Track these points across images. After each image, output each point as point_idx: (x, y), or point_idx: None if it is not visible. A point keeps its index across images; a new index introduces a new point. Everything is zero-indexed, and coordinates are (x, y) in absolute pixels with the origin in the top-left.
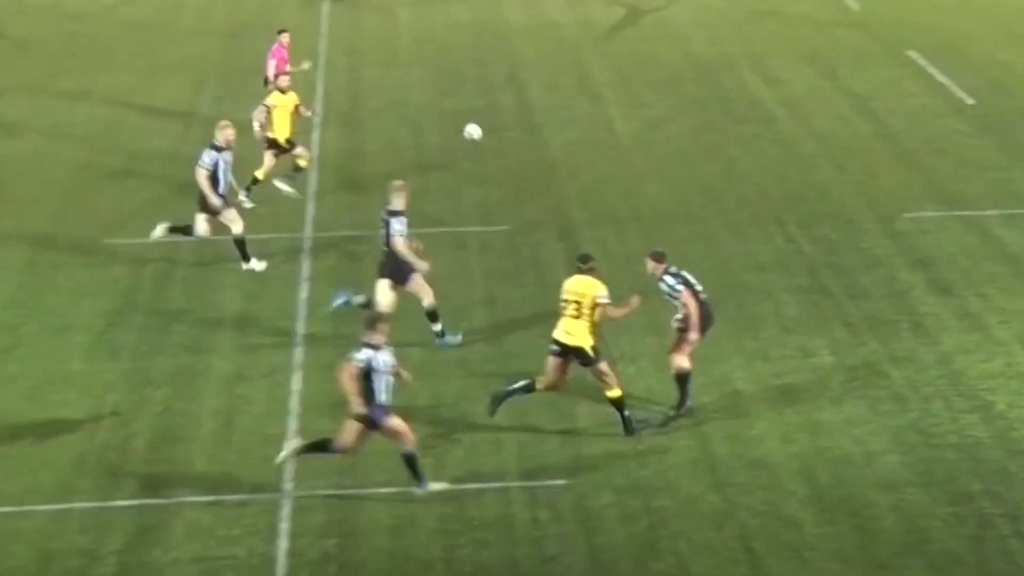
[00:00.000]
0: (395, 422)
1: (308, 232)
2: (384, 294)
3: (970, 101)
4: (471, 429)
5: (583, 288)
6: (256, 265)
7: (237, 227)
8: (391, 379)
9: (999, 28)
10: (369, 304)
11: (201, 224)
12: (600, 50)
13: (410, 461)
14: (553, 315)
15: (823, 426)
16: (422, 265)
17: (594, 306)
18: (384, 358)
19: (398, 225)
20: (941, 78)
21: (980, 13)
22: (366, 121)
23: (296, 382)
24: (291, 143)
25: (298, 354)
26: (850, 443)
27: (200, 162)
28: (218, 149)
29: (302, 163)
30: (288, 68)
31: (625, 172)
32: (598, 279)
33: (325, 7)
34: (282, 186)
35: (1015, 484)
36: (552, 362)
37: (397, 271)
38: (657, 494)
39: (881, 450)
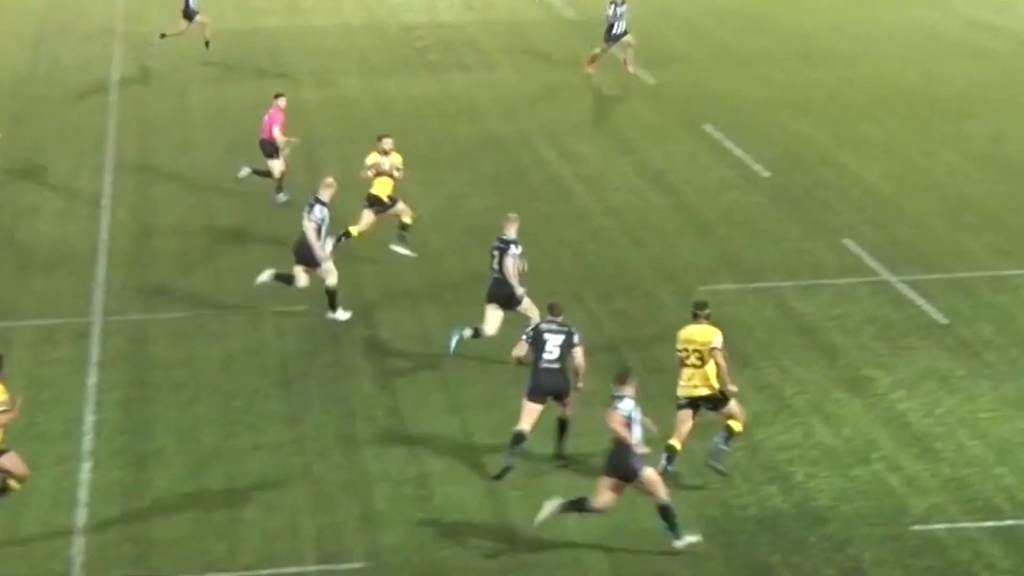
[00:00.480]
0: (652, 473)
1: (96, 316)
2: (494, 317)
3: (765, 173)
4: (267, 512)
5: (704, 337)
6: (341, 315)
7: (332, 279)
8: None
9: (792, 101)
10: (478, 334)
11: (302, 276)
12: (397, 127)
13: (666, 513)
14: (347, 395)
15: (625, 501)
16: (520, 291)
17: (709, 350)
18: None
19: (516, 250)
20: (737, 151)
21: (772, 86)
22: (156, 202)
23: (85, 471)
24: (392, 200)
25: (87, 442)
26: (651, 517)
27: (311, 215)
28: (324, 204)
29: (406, 219)
30: (278, 135)
31: (423, 250)
32: (714, 326)
33: (114, 91)
34: (400, 250)
35: (814, 554)
36: (683, 415)
37: (506, 297)
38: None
39: (682, 523)
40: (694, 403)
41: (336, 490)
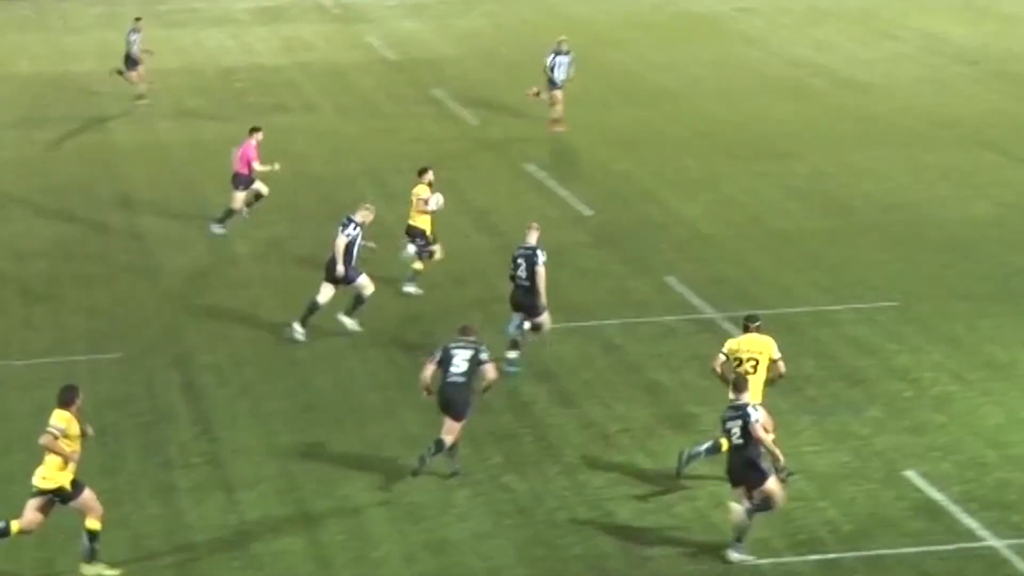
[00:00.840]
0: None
1: None
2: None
3: (588, 212)
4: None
5: (759, 346)
6: (350, 324)
7: (369, 290)
8: None
9: (614, 139)
10: (539, 328)
11: (328, 291)
12: (212, 171)
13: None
14: (163, 442)
15: (448, 544)
16: (543, 302)
17: (771, 362)
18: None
19: (542, 256)
20: (560, 191)
21: (595, 125)
22: None
23: None
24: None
25: None
26: (475, 559)
27: (346, 231)
28: (357, 225)
29: (437, 255)
30: (258, 167)
31: (243, 293)
32: (768, 335)
33: None
34: (411, 289)
35: None
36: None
37: (531, 307)
38: None
39: (507, 564)
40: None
41: (154, 541)
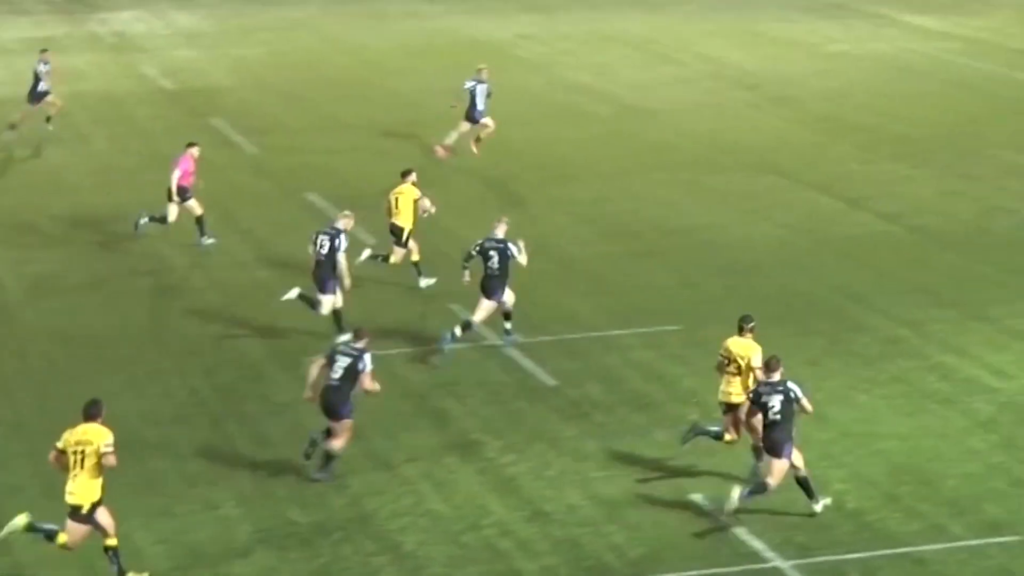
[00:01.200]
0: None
1: None
2: (486, 309)
3: (372, 240)
4: None
5: (746, 350)
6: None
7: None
8: None
9: (396, 168)
10: (468, 326)
11: (329, 302)
12: None
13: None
14: None
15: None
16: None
17: (748, 367)
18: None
19: (514, 248)
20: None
21: (377, 153)
22: None
23: None
24: (411, 234)
25: None
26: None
27: (343, 247)
28: (344, 234)
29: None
30: (192, 180)
31: (13, 331)
32: (756, 341)
33: None
34: (422, 282)
35: None
36: (728, 419)
37: (497, 291)
38: None
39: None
40: (732, 407)
41: None
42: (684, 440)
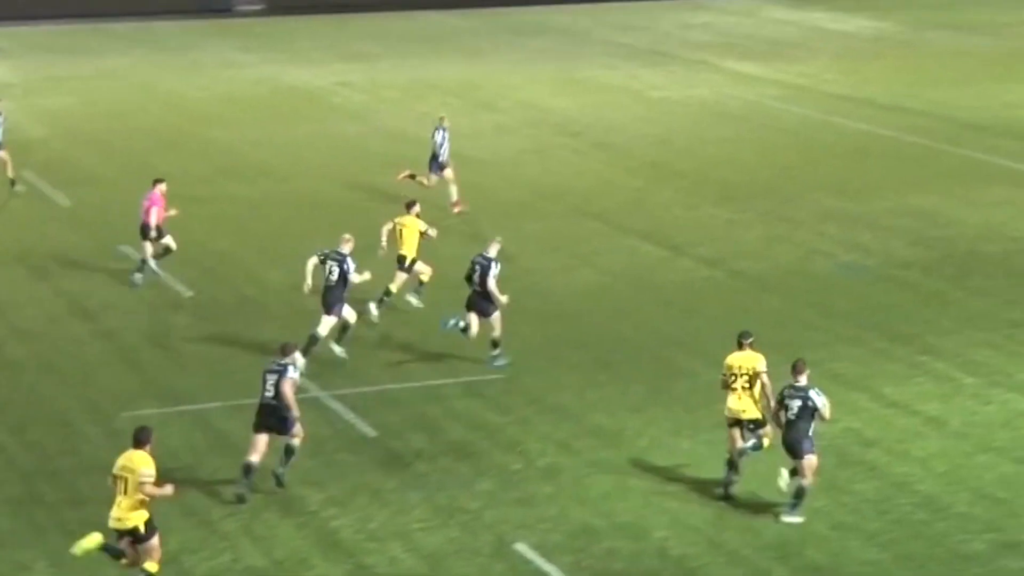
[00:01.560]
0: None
1: None
2: (473, 324)
3: (188, 293)
4: None
5: (750, 362)
6: (338, 351)
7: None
8: None
9: (212, 217)
10: (466, 330)
11: (327, 324)
12: None
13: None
14: None
15: None
16: (502, 300)
17: (755, 375)
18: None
19: (495, 269)
20: (160, 272)
21: (192, 203)
22: None
23: None
24: (414, 262)
25: None
26: None
27: (352, 269)
28: (350, 257)
29: (424, 278)
30: (165, 214)
31: None
32: (758, 352)
33: None
34: (413, 300)
35: None
36: (734, 434)
37: (485, 307)
38: None
39: None
40: (740, 423)
41: None
42: (730, 473)
